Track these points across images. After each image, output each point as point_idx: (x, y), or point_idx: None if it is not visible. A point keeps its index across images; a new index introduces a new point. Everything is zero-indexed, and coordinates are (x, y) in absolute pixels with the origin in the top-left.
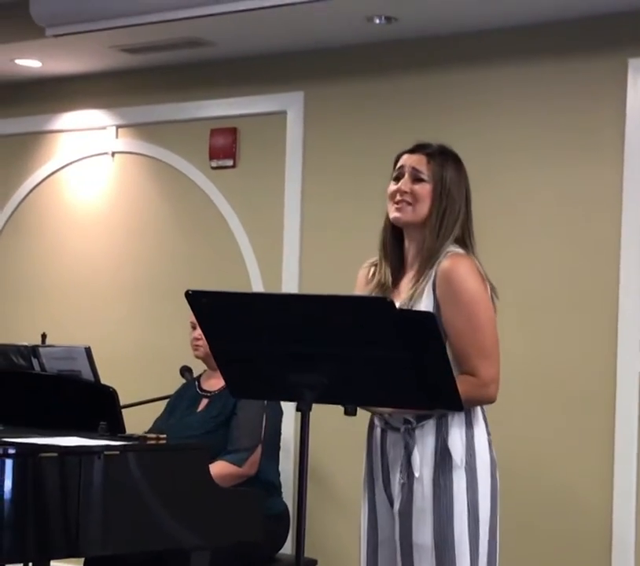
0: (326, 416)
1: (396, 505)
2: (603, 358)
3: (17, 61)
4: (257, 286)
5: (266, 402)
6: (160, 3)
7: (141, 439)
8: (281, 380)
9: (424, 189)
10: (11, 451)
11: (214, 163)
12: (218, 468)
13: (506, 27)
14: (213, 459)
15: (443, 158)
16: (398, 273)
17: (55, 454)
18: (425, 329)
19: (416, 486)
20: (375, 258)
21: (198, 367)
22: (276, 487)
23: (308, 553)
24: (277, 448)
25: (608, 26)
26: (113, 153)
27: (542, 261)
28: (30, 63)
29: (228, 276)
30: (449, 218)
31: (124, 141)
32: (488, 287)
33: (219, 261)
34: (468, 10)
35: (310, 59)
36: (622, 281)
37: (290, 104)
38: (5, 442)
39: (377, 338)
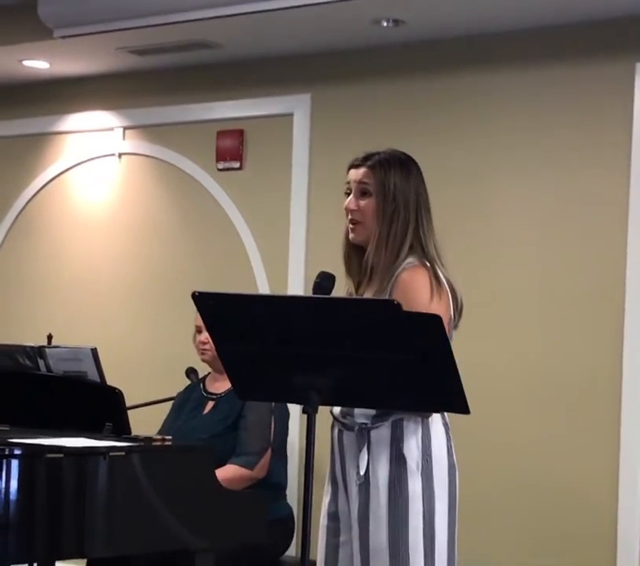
0: (330, 418)
1: (354, 508)
2: (609, 356)
3: (25, 62)
4: (263, 288)
5: (273, 404)
6: (167, 5)
7: (147, 440)
8: (287, 382)
9: (370, 205)
10: (17, 452)
11: (220, 165)
12: (230, 472)
13: (513, 31)
14: (221, 463)
15: (386, 166)
16: (362, 285)
17: (61, 455)
18: (431, 331)
19: (372, 490)
20: None
21: (203, 369)
22: (282, 490)
23: (313, 556)
24: (285, 450)
25: (616, 30)
26: (120, 155)
27: (548, 260)
28: (38, 64)
29: (234, 277)
30: (398, 227)
31: (131, 143)
32: (447, 296)
33: (225, 262)
34: (475, 13)
35: (317, 61)
36: (628, 280)
37: (297, 106)
38: (11, 442)
39: (383, 340)
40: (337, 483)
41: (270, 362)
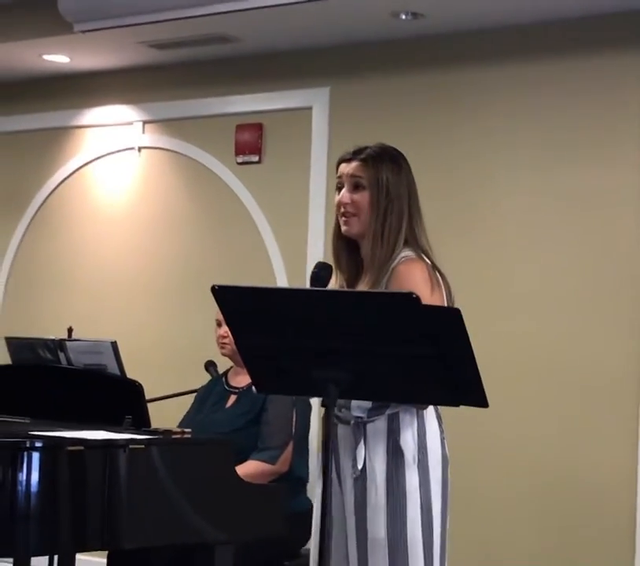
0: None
1: (350, 500)
2: (628, 350)
3: (45, 57)
4: (282, 281)
5: (294, 397)
6: None
7: (166, 433)
8: (306, 375)
9: (364, 197)
10: (38, 444)
11: (239, 159)
12: (252, 468)
13: (532, 23)
14: (243, 457)
15: (378, 160)
16: (354, 279)
17: (81, 448)
18: (451, 325)
19: (369, 482)
20: None
21: (224, 363)
22: (304, 484)
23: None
24: (307, 444)
25: (631, 24)
26: (140, 148)
27: (561, 254)
28: (58, 58)
29: (253, 271)
30: (393, 220)
31: (151, 137)
32: (442, 289)
33: (244, 256)
34: (494, 6)
35: (336, 55)
36: None
37: (316, 99)
38: (31, 435)
39: (403, 333)
40: (331, 476)
41: (289, 355)
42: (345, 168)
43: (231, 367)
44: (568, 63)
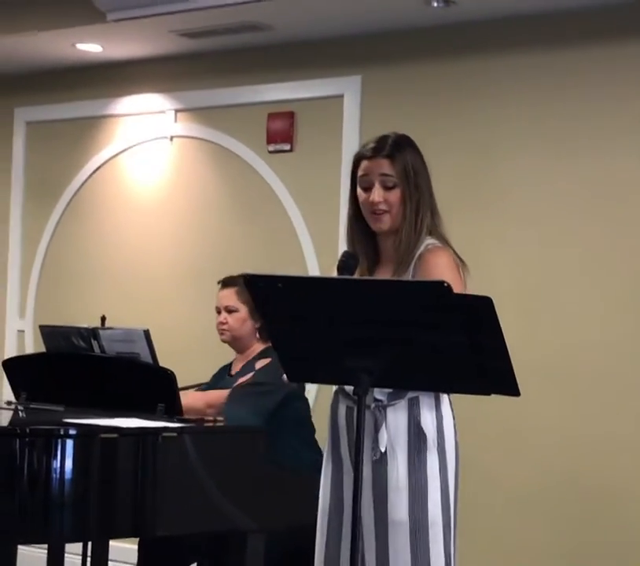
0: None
1: (369, 484)
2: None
3: (78, 46)
4: (313, 270)
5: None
6: None
7: (199, 421)
8: (338, 364)
9: (397, 195)
10: (72, 432)
11: (271, 147)
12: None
13: (561, 10)
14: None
15: (401, 153)
16: (372, 268)
17: (115, 435)
18: (483, 313)
19: (390, 466)
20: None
21: (228, 352)
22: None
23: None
24: (310, 431)
25: None
26: (172, 137)
27: (570, 245)
28: (91, 47)
29: (284, 259)
30: (423, 209)
31: (183, 125)
32: (463, 275)
33: (276, 244)
34: None
35: (367, 43)
36: None
37: (347, 87)
38: (66, 423)
39: (435, 322)
40: (343, 462)
41: (321, 343)
42: (371, 166)
43: (236, 357)
44: (602, 51)
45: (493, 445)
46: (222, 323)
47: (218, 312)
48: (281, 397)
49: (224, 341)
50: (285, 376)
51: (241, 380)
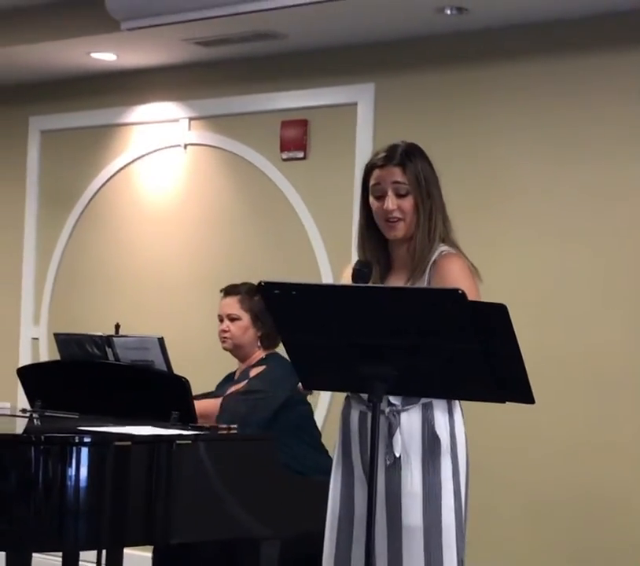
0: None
1: (382, 488)
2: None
3: (93, 55)
4: (327, 277)
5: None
6: None
7: (213, 428)
8: (352, 371)
9: (410, 203)
10: (86, 439)
11: (285, 155)
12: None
13: (580, 18)
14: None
15: (413, 162)
16: (384, 276)
17: (129, 443)
18: (497, 321)
19: (404, 471)
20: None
21: (227, 361)
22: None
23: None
24: (316, 436)
25: None
26: (186, 145)
27: (576, 250)
28: (105, 56)
29: (298, 267)
30: (436, 216)
31: (197, 134)
32: (476, 282)
33: (289, 252)
34: (539, 0)
35: (380, 50)
36: None
37: (361, 95)
38: (80, 430)
39: (449, 329)
40: (354, 466)
41: (335, 351)
42: (383, 175)
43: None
44: (611, 58)
45: (502, 450)
46: (224, 331)
47: (221, 320)
48: (277, 403)
49: (226, 349)
50: (299, 383)
51: (235, 387)
